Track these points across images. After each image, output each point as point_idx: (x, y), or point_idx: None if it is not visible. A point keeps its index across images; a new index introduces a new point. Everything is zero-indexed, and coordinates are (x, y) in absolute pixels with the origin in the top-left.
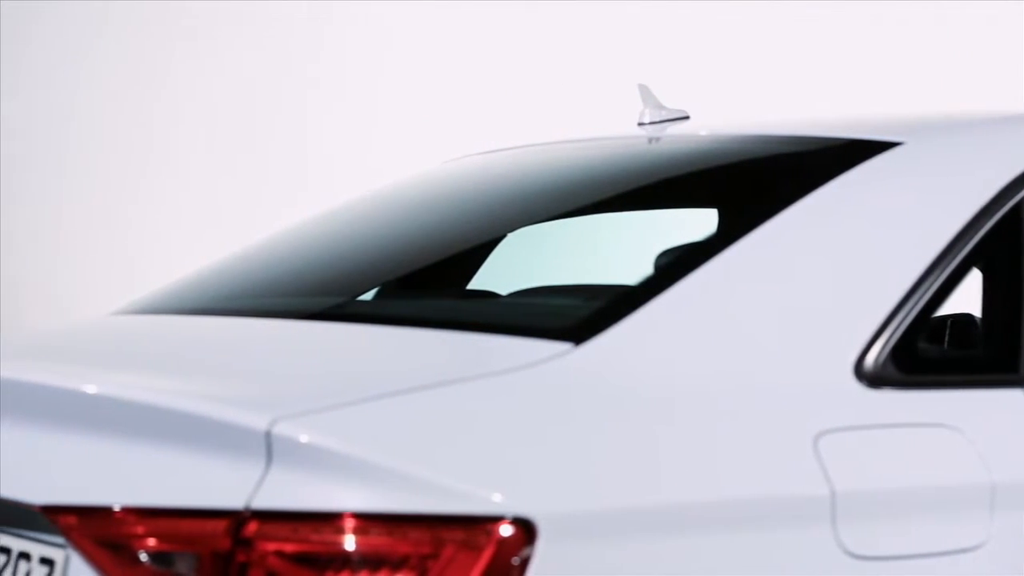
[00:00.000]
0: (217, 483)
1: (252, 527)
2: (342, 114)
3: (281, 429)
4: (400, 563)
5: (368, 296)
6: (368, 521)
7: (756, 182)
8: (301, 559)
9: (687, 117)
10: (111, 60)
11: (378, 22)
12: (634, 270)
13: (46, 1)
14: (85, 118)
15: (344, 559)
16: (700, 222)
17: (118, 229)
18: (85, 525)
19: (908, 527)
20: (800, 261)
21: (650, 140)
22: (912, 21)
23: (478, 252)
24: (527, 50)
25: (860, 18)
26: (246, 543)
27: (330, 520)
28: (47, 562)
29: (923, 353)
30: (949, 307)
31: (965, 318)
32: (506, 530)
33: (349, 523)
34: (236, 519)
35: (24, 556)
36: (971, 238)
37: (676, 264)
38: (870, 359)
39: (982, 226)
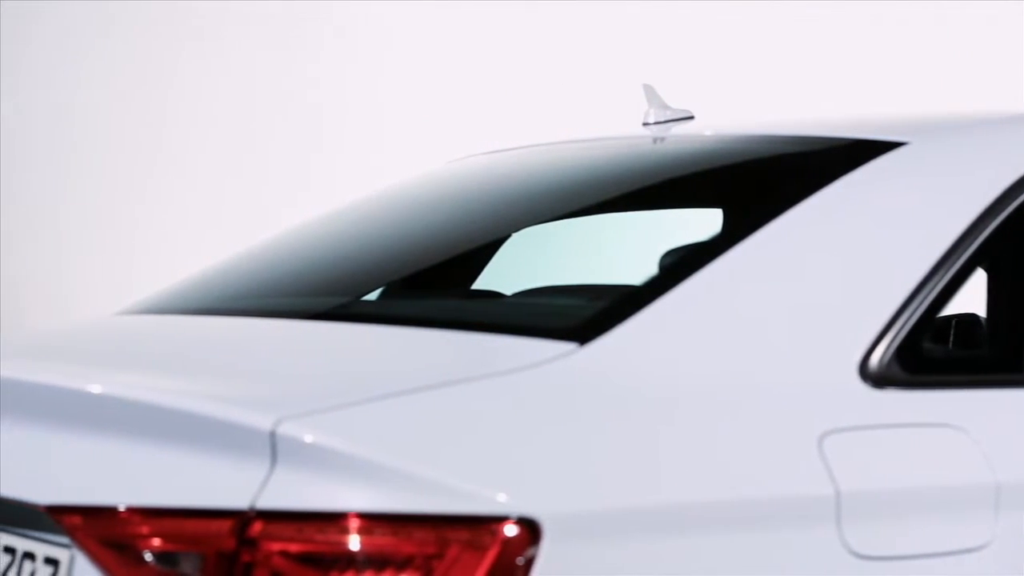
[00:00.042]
0: (222, 483)
1: (257, 527)
2: (347, 114)
3: (286, 429)
4: (405, 563)
5: (373, 296)
6: (373, 521)
7: (761, 182)
8: (306, 559)
9: (692, 117)
10: (115, 59)
11: (382, 23)
12: (639, 270)
13: (49, 1)
14: (89, 117)
15: (349, 559)
16: (705, 222)
17: (122, 229)
18: (90, 525)
19: (913, 527)
20: (805, 261)
21: (655, 140)
22: (916, 21)
23: (483, 252)
24: (531, 50)
25: (864, 18)
26: (251, 543)
27: (335, 520)
28: (52, 562)
29: (928, 353)
30: (954, 307)
31: (970, 318)
32: (511, 530)
33: (354, 523)
34: (241, 519)
35: (29, 556)
36: (976, 238)
37: (681, 264)
38: (875, 359)
39: (987, 226)
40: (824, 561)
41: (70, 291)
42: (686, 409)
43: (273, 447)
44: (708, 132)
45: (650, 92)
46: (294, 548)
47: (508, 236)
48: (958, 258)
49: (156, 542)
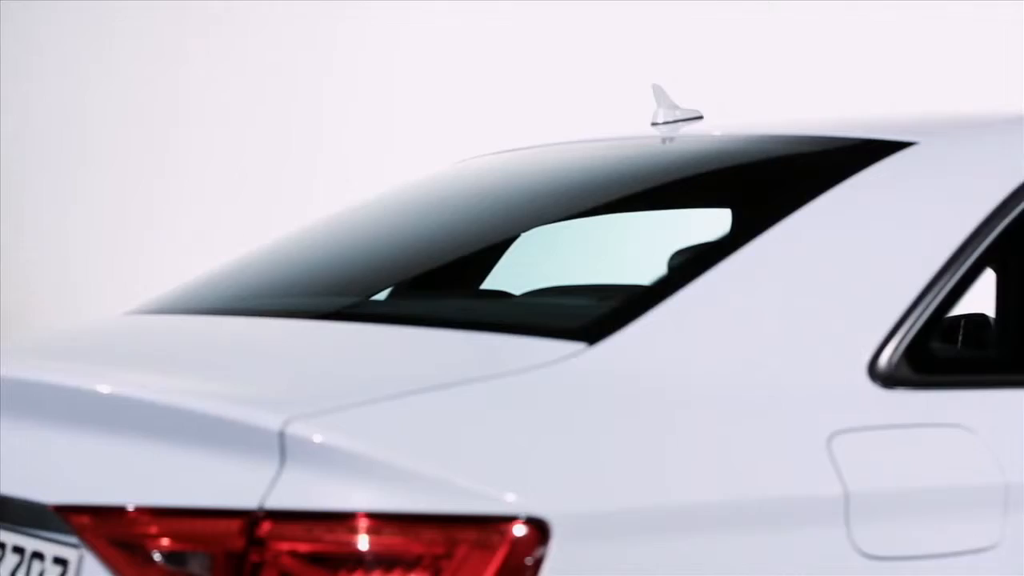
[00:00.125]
0: (231, 483)
1: (266, 527)
2: (356, 113)
3: (295, 429)
4: (413, 563)
5: (382, 296)
6: (381, 521)
7: (769, 182)
8: (315, 559)
9: (701, 117)
10: (124, 58)
11: (392, 22)
12: (648, 270)
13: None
14: (98, 116)
15: (357, 559)
16: (713, 222)
17: (132, 229)
18: (99, 525)
19: (921, 527)
20: (814, 261)
21: (664, 140)
22: (924, 21)
23: (492, 252)
24: (540, 50)
25: (872, 18)
26: (260, 543)
27: (344, 520)
28: (60, 562)
29: (937, 353)
30: (963, 307)
31: (979, 318)
32: (520, 530)
33: (363, 523)
34: (250, 519)
35: (38, 556)
36: (985, 238)
37: (689, 264)
38: (884, 359)
39: (996, 226)
40: (833, 561)
41: (79, 291)
42: (695, 409)
43: (282, 447)
44: (717, 132)
45: (659, 92)
46: (303, 548)
47: (517, 236)
48: (967, 258)
49: (165, 542)
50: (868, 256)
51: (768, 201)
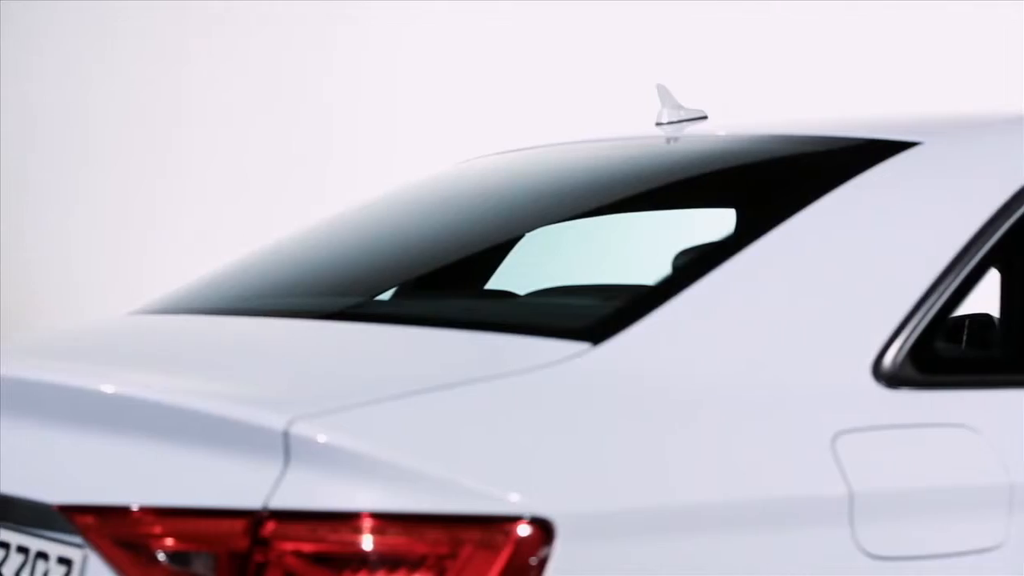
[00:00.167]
0: (235, 483)
1: (270, 527)
2: (360, 113)
3: (299, 429)
4: (418, 563)
5: (386, 296)
6: (386, 521)
7: (773, 182)
8: (319, 559)
9: (705, 117)
10: (127, 58)
11: (395, 22)
12: (652, 270)
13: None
14: (100, 115)
15: (362, 559)
16: (718, 222)
17: (135, 229)
18: (103, 525)
19: (926, 527)
20: (818, 261)
21: (668, 140)
22: (929, 21)
23: (496, 252)
24: (544, 50)
25: (876, 18)
26: (264, 543)
27: (348, 520)
28: (65, 562)
29: (941, 353)
30: (967, 307)
31: (983, 318)
32: (524, 530)
33: (367, 523)
34: (254, 519)
35: (42, 556)
36: (989, 238)
37: (694, 264)
38: (888, 359)
39: (1000, 226)
40: (837, 561)
41: (82, 291)
42: (699, 409)
43: (286, 447)
44: (721, 132)
45: (663, 92)
46: (307, 548)
47: (521, 236)
48: (971, 258)
49: (169, 542)
50: (872, 256)
51: (772, 201)
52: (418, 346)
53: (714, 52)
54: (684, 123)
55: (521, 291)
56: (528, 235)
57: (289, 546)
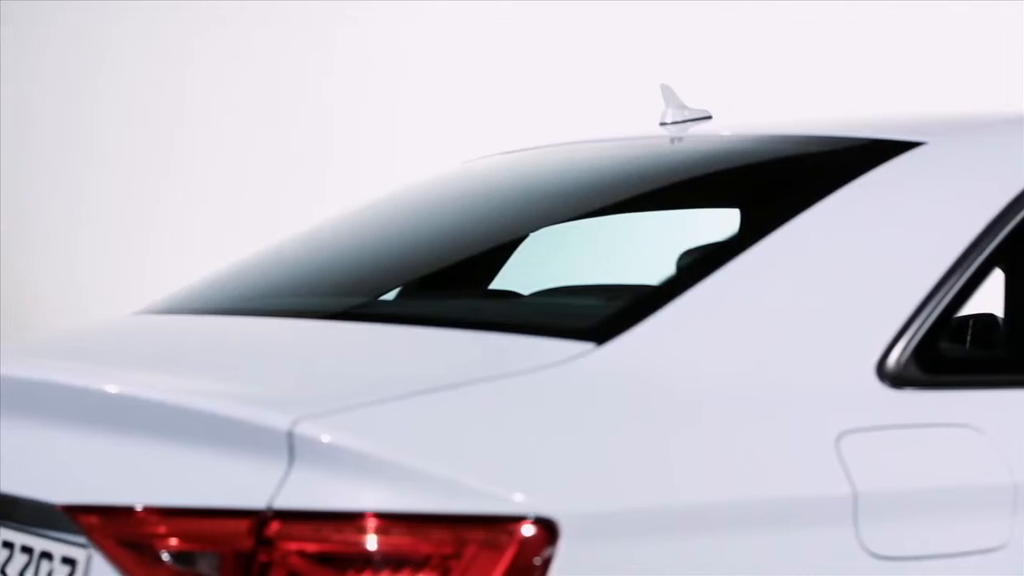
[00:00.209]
0: (239, 483)
1: (274, 527)
2: (363, 113)
3: (303, 429)
4: (422, 563)
5: (390, 296)
6: (390, 521)
7: (778, 182)
8: (323, 559)
9: (709, 117)
10: (130, 58)
11: (398, 23)
12: (656, 270)
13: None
14: (103, 115)
15: (366, 559)
16: (722, 222)
17: (139, 229)
18: (107, 525)
19: (930, 527)
20: (822, 261)
21: (672, 140)
22: (933, 21)
23: (500, 252)
24: (548, 50)
25: (880, 18)
26: (268, 543)
27: (352, 520)
28: (69, 562)
29: (945, 353)
30: (971, 307)
31: (987, 318)
32: (528, 530)
33: (371, 523)
34: (258, 519)
35: (46, 556)
36: (993, 238)
37: (698, 264)
38: (892, 359)
39: (1004, 226)
40: (841, 561)
41: (85, 291)
42: (703, 409)
43: (290, 447)
44: (726, 132)
45: (668, 92)
46: (311, 548)
47: (525, 236)
48: (976, 258)
49: (173, 542)
50: (877, 256)
51: (777, 201)
52: (422, 346)
53: (718, 52)
54: (688, 123)
55: (525, 291)
56: (532, 235)
57: (293, 546)
